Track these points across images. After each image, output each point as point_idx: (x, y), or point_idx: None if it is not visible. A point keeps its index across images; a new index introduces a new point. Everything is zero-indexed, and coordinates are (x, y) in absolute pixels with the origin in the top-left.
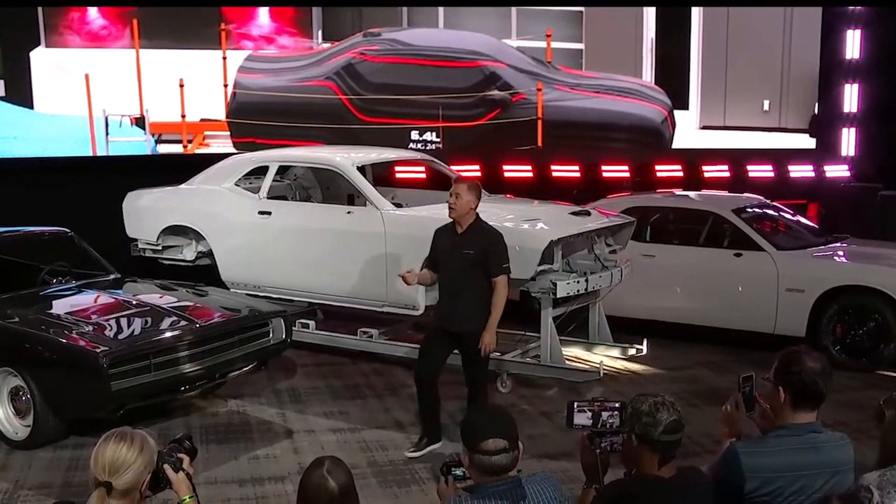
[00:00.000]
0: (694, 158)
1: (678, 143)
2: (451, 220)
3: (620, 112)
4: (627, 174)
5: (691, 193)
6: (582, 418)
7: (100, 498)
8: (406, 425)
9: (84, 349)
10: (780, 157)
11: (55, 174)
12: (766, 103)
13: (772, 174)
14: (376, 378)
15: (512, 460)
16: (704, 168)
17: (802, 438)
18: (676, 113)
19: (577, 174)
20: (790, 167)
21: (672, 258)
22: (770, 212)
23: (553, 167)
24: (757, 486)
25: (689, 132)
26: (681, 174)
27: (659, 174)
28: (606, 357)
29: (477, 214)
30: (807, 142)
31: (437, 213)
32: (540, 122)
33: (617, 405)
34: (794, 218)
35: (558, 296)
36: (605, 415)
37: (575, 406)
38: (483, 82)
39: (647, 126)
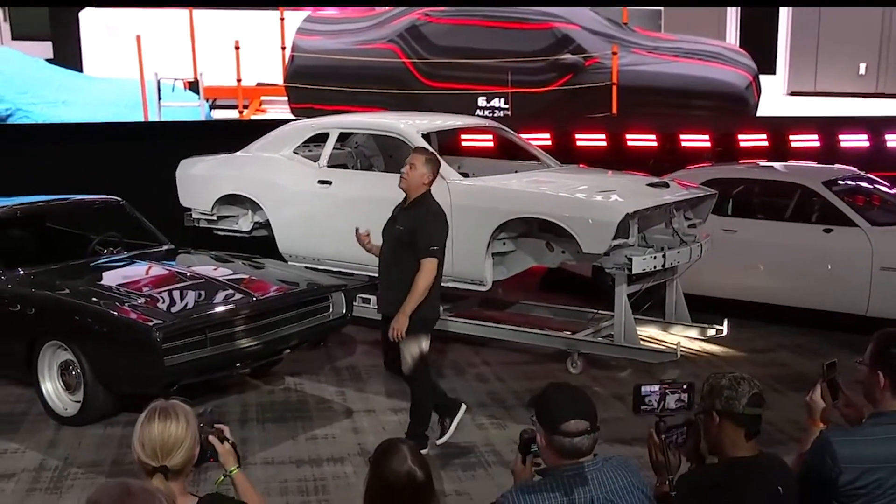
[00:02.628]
0: (781, 127)
1: (764, 110)
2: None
3: (701, 77)
4: (708, 144)
5: (777, 164)
6: (649, 402)
7: (161, 484)
8: (472, 406)
9: (136, 322)
10: (876, 126)
11: (105, 140)
12: (863, 67)
13: (867, 144)
14: (440, 356)
15: (592, 442)
16: (792, 137)
17: None
18: (762, 78)
19: (654, 143)
20: (888, 136)
21: (756, 233)
22: (864, 184)
23: (628, 136)
24: (854, 478)
25: (775, 98)
26: (766, 144)
27: (742, 144)
28: (684, 338)
29: (429, 192)
30: None
31: (505, 183)
32: (615, 88)
33: (684, 386)
34: (892, 191)
35: (634, 272)
36: (670, 398)
37: (642, 390)
38: (555, 45)
39: (730, 92)
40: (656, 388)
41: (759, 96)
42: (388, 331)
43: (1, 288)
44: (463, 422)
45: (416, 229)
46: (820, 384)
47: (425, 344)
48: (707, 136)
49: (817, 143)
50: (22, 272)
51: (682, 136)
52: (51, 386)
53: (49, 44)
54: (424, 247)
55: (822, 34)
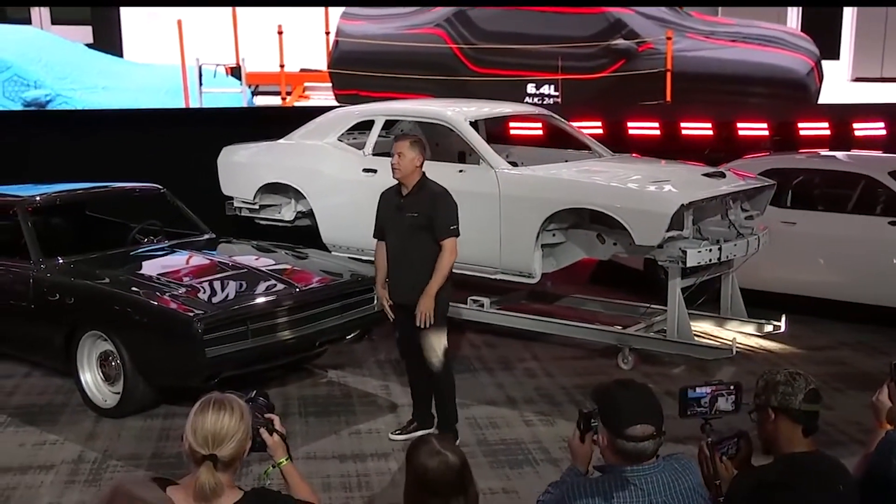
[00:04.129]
0: (843, 115)
1: (826, 97)
2: (397, 181)
3: (760, 63)
4: (766, 132)
5: (839, 154)
6: (704, 404)
7: (209, 473)
8: (520, 402)
9: (177, 312)
10: None
11: (146, 127)
12: None
13: None
14: (487, 350)
15: (656, 447)
16: (856, 125)
17: None
18: (825, 63)
19: (710, 132)
20: None
21: (816, 226)
22: None
23: (683, 124)
24: None
25: (838, 85)
26: (828, 132)
27: (802, 132)
28: (740, 334)
29: (423, 173)
30: None
31: (555, 173)
32: (669, 75)
33: (731, 387)
34: None
35: (688, 265)
36: (722, 401)
37: (690, 393)
38: (607, 30)
39: (791, 78)
40: (708, 389)
41: (821, 82)
42: (407, 317)
43: (40, 277)
44: (510, 418)
45: (432, 212)
46: (887, 384)
47: (445, 335)
48: (765, 125)
49: (883, 132)
50: (61, 261)
51: (740, 125)
52: (90, 377)
53: (89, 28)
54: (445, 227)
55: (891, 16)
